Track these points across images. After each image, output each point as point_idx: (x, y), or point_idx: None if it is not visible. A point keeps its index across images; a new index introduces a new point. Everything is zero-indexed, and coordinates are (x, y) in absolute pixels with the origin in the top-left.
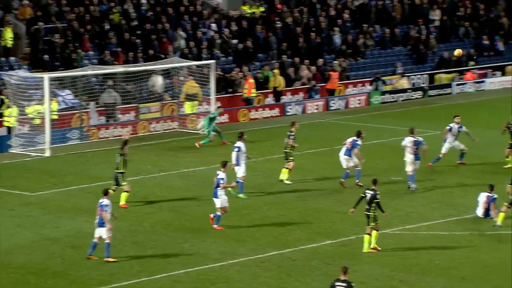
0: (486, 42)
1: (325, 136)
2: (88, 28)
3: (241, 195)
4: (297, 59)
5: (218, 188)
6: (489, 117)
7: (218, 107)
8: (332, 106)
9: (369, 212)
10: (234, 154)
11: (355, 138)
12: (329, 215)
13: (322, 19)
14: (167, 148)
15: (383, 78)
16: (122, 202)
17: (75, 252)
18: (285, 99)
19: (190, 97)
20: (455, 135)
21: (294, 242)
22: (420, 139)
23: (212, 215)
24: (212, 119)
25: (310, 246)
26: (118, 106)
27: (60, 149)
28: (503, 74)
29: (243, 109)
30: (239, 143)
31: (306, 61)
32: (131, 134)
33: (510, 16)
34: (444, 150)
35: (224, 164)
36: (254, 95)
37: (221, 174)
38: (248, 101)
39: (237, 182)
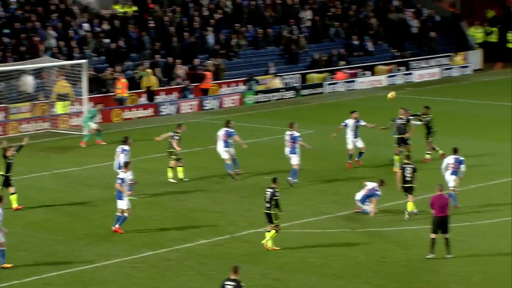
0: (356, 42)
1: (200, 136)
2: None
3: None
4: (170, 59)
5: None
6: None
7: (98, 103)
8: (206, 106)
9: (270, 210)
10: (123, 157)
11: (226, 128)
12: (203, 214)
13: (196, 18)
14: (38, 149)
15: (256, 78)
16: (14, 205)
17: None
18: (159, 99)
19: (62, 97)
20: (354, 130)
21: (169, 242)
22: (297, 134)
23: (117, 225)
24: (91, 118)
25: (185, 246)
26: None
27: None
28: (373, 74)
29: (117, 109)
30: (126, 147)
31: (179, 61)
32: (1, 135)
33: (379, 16)
34: (349, 146)
35: (126, 164)
36: (127, 95)
37: (122, 175)
38: (121, 101)
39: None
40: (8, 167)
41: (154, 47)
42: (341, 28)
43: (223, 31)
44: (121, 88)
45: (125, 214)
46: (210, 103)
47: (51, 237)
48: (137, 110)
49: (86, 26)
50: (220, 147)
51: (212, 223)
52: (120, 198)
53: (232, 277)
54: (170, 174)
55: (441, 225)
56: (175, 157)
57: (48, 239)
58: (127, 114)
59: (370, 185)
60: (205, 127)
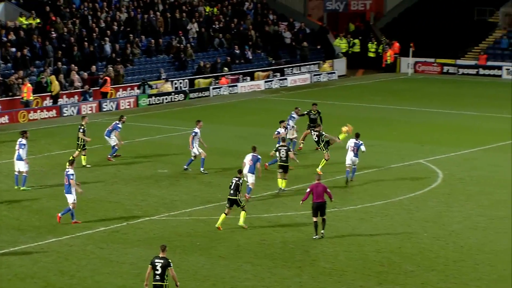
0: (238, 51)
1: (99, 134)
2: None
3: (23, 188)
4: (73, 66)
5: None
6: (241, 116)
7: None
8: (104, 108)
9: (235, 196)
10: (21, 151)
11: (116, 122)
12: (102, 204)
13: (94, 30)
14: None
15: (149, 82)
16: None
17: None
18: (61, 101)
19: None
20: (286, 127)
21: (71, 230)
22: (197, 131)
23: (60, 214)
24: None
25: (85, 233)
26: None
27: None
28: (252, 79)
29: (23, 111)
30: (23, 140)
31: (75, 67)
32: None
33: (257, 29)
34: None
35: (72, 162)
36: (32, 98)
37: (70, 170)
38: (27, 104)
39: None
40: None
41: (56, 55)
42: (224, 39)
43: (119, 41)
44: (27, 92)
45: (71, 207)
46: (108, 105)
47: None
48: (41, 111)
49: None
50: (105, 134)
51: (110, 212)
52: (69, 192)
53: (161, 255)
54: (83, 161)
55: (319, 209)
56: (81, 146)
57: None
58: (33, 115)
59: (248, 157)
60: (102, 127)
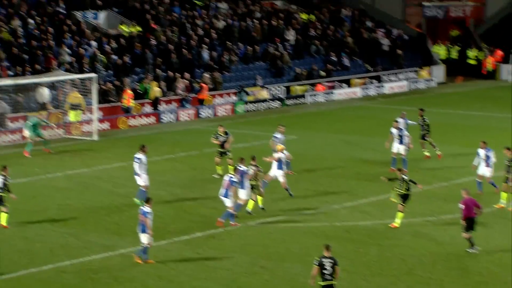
0: (334, 58)
1: (195, 140)
2: None
3: (137, 201)
4: (171, 73)
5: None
6: (337, 123)
7: (41, 113)
8: (202, 114)
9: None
10: (135, 165)
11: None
12: (199, 209)
13: (192, 37)
14: (53, 152)
15: (246, 89)
16: (3, 222)
17: None
18: (160, 108)
19: (74, 107)
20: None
21: (168, 234)
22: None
23: (220, 219)
24: (34, 126)
25: (183, 238)
26: (8, 115)
27: None
28: (349, 86)
29: (123, 117)
30: (140, 155)
31: (179, 75)
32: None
33: (354, 36)
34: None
35: (235, 169)
36: (133, 104)
37: (234, 177)
38: (127, 110)
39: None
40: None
41: (156, 62)
42: (321, 46)
43: (216, 49)
44: (127, 99)
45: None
46: (205, 112)
47: (64, 230)
48: (141, 118)
49: (94, 44)
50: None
51: (207, 217)
52: (227, 196)
53: (326, 254)
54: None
55: (470, 224)
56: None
57: (62, 232)
58: (132, 122)
59: (226, 177)
60: (201, 133)
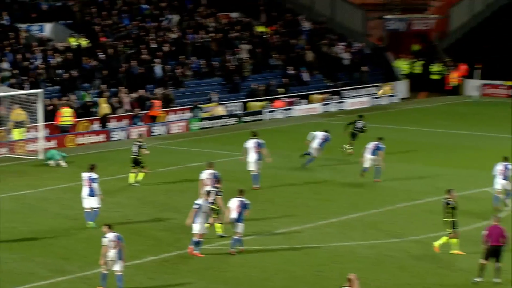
0: (293, 71)
1: (148, 160)
2: None
3: (91, 223)
4: (121, 88)
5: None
6: (295, 141)
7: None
8: (154, 132)
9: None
10: (95, 185)
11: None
12: (150, 233)
13: (144, 51)
14: None
15: (201, 105)
16: None
17: None
18: (110, 125)
19: (18, 124)
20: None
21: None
22: (261, 141)
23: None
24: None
25: (135, 262)
26: None
27: None
28: (309, 102)
29: (70, 135)
30: (94, 174)
31: (126, 90)
32: None
33: (313, 49)
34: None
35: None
36: (68, 123)
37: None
38: (64, 130)
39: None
40: None
41: (104, 77)
42: (279, 59)
43: (169, 63)
44: (57, 117)
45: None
46: (158, 129)
47: (8, 255)
48: (90, 136)
49: (39, 57)
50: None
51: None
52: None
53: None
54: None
55: (495, 253)
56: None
57: (5, 257)
58: (80, 140)
59: (234, 203)
60: (153, 151)
